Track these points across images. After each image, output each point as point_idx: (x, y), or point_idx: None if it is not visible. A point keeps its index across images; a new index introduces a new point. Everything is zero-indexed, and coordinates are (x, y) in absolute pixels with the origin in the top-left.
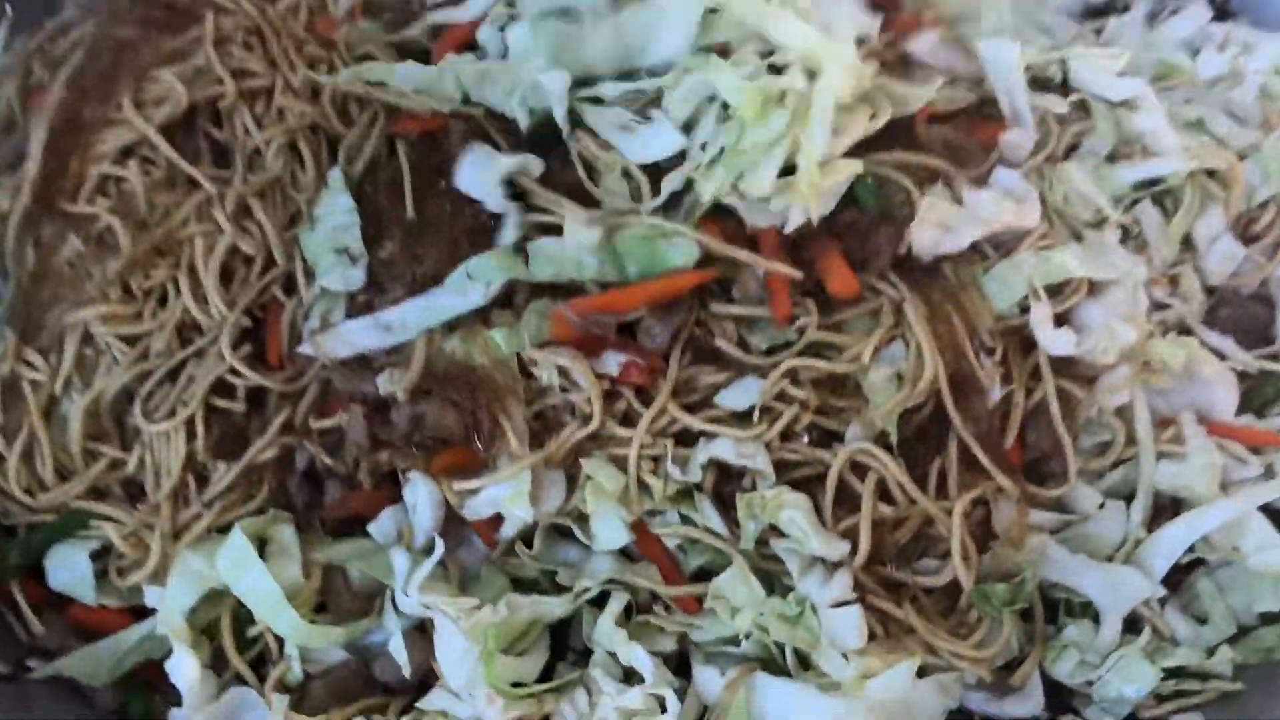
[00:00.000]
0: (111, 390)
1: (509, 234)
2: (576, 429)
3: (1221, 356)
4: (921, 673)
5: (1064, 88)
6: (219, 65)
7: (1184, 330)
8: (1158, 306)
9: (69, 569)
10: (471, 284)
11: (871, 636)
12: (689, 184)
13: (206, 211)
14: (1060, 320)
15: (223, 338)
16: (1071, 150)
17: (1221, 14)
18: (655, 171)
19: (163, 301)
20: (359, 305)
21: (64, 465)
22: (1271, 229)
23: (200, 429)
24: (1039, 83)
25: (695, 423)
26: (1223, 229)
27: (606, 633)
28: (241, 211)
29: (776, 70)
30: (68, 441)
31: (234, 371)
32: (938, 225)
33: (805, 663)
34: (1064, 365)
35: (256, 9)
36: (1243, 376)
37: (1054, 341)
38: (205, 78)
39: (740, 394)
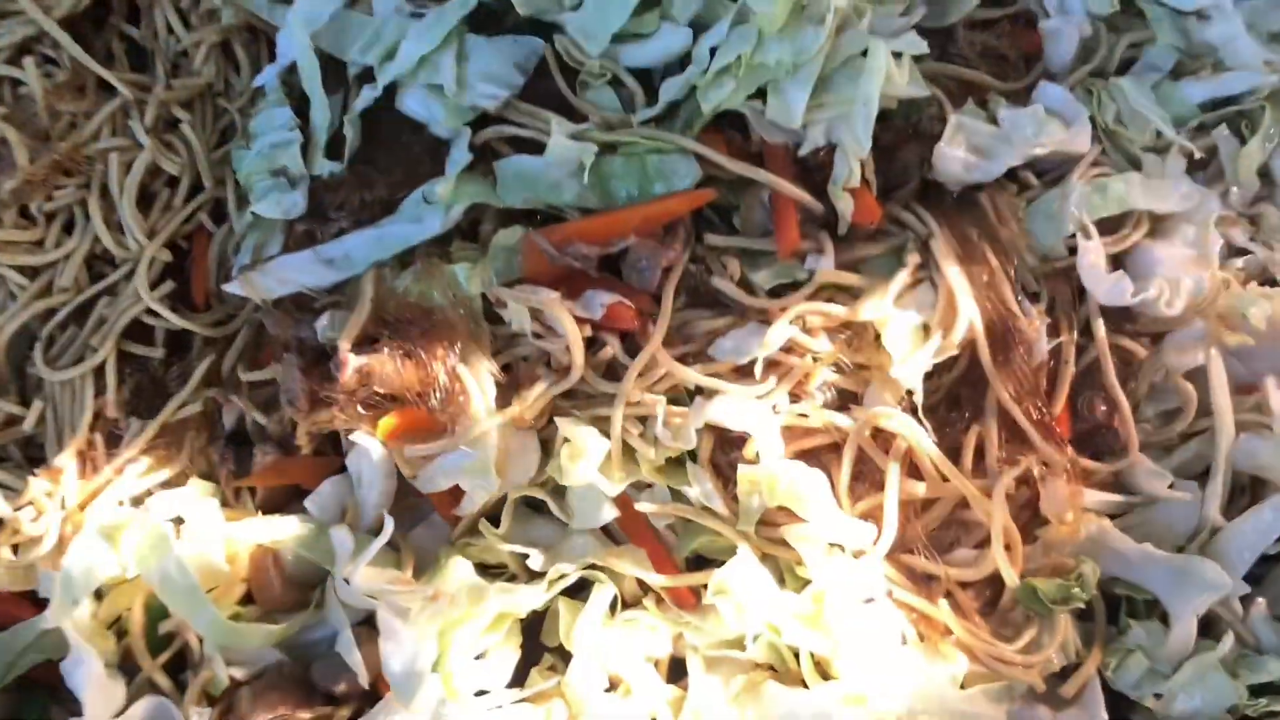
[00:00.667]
0: (8, 332)
1: (459, 156)
2: (552, 384)
3: None
4: (963, 683)
5: None
6: None
7: (1267, 280)
8: (1235, 251)
9: None
10: (429, 210)
11: (901, 640)
12: (690, 92)
13: (122, 123)
14: (1117, 263)
15: (140, 272)
16: (1128, 65)
17: None
18: (648, 79)
19: (69, 228)
20: (298, 236)
21: None
22: None
23: (111, 379)
24: None
25: (691, 376)
26: None
27: (588, 631)
28: (164, 124)
29: None
30: None
31: (152, 312)
32: (969, 149)
33: (824, 671)
34: (1122, 317)
35: None
36: None
37: (1107, 288)
38: None
39: (741, 343)
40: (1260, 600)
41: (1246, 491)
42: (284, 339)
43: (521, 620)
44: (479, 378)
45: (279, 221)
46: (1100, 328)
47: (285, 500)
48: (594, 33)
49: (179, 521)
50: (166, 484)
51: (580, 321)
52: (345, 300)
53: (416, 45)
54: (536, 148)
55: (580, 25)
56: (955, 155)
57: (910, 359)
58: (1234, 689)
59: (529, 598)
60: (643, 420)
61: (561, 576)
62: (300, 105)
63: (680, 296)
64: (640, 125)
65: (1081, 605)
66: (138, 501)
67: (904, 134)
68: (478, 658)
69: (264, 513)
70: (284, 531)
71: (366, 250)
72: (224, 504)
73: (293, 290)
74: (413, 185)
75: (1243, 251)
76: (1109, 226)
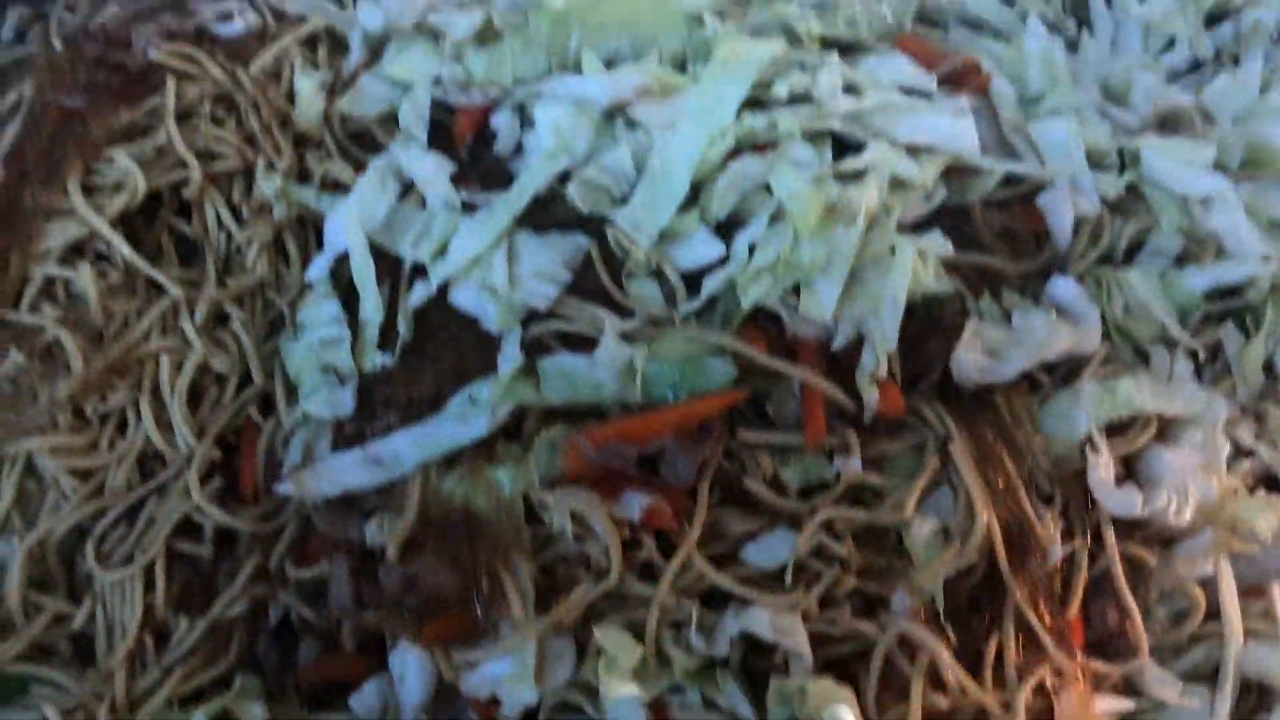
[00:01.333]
0: (60, 531)
1: (511, 354)
2: (590, 587)
3: None
4: None
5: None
6: (181, 144)
7: (1273, 481)
8: (1242, 452)
9: None
10: (475, 410)
11: None
12: (728, 285)
13: (172, 322)
14: (1127, 464)
15: (190, 472)
16: (1136, 248)
17: None
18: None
19: (121, 428)
20: (347, 434)
21: (2, 619)
22: None
23: (160, 578)
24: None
25: (724, 583)
26: None
27: None
28: (214, 320)
29: (846, 175)
30: (6, 591)
31: (200, 510)
32: (985, 352)
33: None
34: (1133, 524)
35: (226, 74)
36: None
37: (1118, 501)
38: (167, 159)
39: (772, 549)
40: None
41: (1253, 694)
42: (333, 539)
43: None
44: (519, 583)
45: (328, 420)
46: (1111, 536)
47: (329, 693)
48: (645, 226)
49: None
50: (214, 680)
51: (619, 522)
52: (392, 501)
53: (469, 244)
54: (582, 340)
55: (632, 219)
56: (971, 359)
57: (931, 567)
58: None
59: None
60: (677, 625)
61: None
62: (347, 295)
63: (714, 493)
64: (682, 319)
65: None
66: (186, 701)
67: (927, 327)
68: None
69: (307, 704)
70: None
71: (414, 450)
72: (269, 697)
73: (342, 490)
74: (459, 379)
75: (1249, 453)
76: (1119, 427)
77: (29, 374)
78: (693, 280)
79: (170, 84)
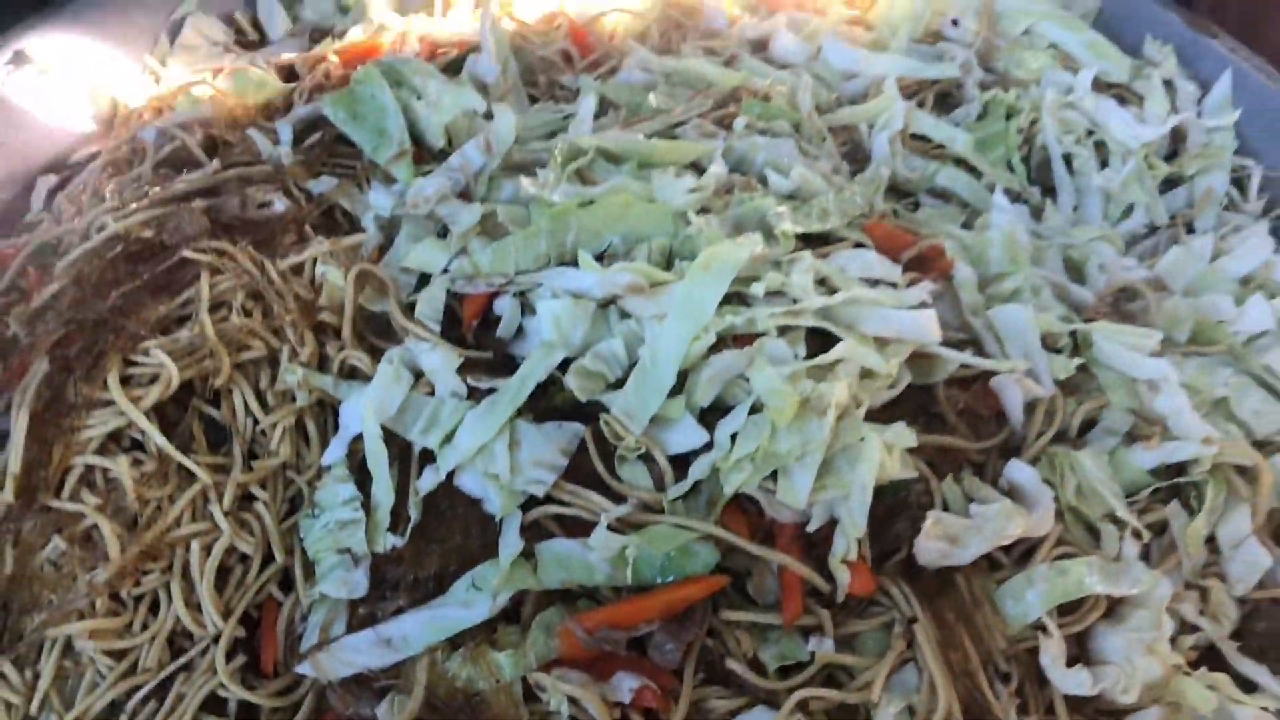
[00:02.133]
0: (96, 709)
1: (512, 541)
2: None
3: (1253, 687)
4: None
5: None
6: (213, 338)
7: (1213, 653)
8: (1186, 628)
9: None
10: (477, 595)
11: None
12: (712, 472)
13: (202, 507)
14: (1079, 639)
15: (216, 651)
16: (1089, 426)
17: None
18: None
19: (154, 608)
20: (360, 617)
21: None
22: None
23: None
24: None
25: None
26: (1248, 532)
27: None
28: (240, 502)
29: (819, 370)
30: None
31: (225, 687)
32: (944, 539)
33: None
34: (1084, 700)
35: (256, 266)
36: None
37: (1069, 682)
38: (200, 350)
39: None
40: None
41: None
42: (346, 716)
43: None
44: None
45: (343, 600)
46: (1063, 712)
47: None
48: (636, 415)
49: None
50: None
51: (610, 703)
52: (402, 679)
53: (474, 435)
54: (577, 523)
55: (624, 407)
56: (934, 546)
57: None
58: None
59: None
60: None
61: None
62: (360, 475)
63: (698, 673)
64: (670, 502)
65: None
66: None
67: (893, 510)
68: None
69: None
70: None
71: (421, 633)
72: None
73: (354, 671)
74: (464, 560)
75: (1194, 628)
76: (1070, 607)
77: (69, 559)
78: (678, 463)
79: (204, 279)
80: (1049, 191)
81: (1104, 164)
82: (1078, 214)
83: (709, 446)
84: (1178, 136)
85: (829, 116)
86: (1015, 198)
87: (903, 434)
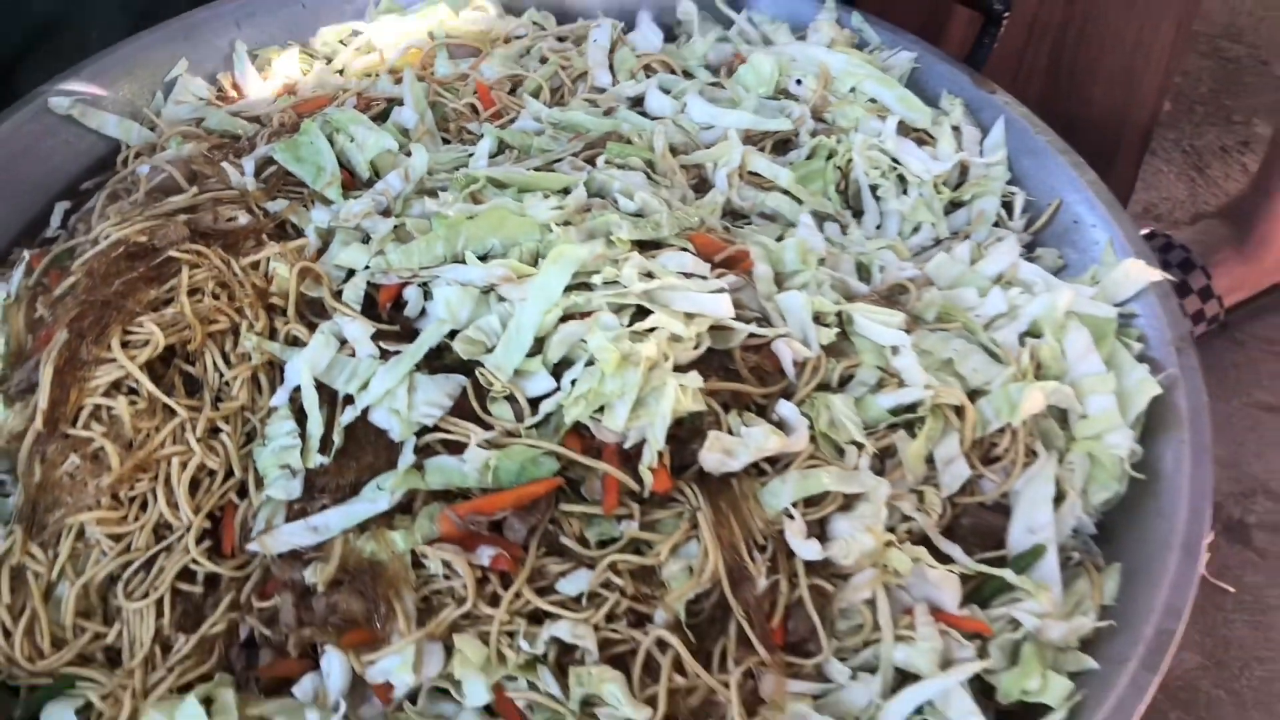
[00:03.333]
0: (99, 577)
1: (408, 457)
2: (453, 610)
3: (949, 560)
4: None
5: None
6: (190, 314)
7: (924, 538)
8: (905, 518)
9: None
10: (380, 494)
11: None
12: (557, 408)
13: (180, 435)
14: (821, 525)
15: (189, 537)
16: (847, 380)
17: (1030, 247)
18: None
19: (143, 506)
20: (294, 510)
21: (58, 637)
22: (1007, 453)
23: (167, 608)
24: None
25: (543, 605)
26: (957, 454)
27: None
28: (209, 433)
29: (637, 335)
30: (61, 618)
31: (195, 561)
32: (722, 451)
33: None
34: (820, 565)
35: (224, 263)
36: (970, 577)
37: (804, 549)
38: (180, 324)
39: (576, 582)
40: None
41: (900, 676)
42: (283, 580)
43: None
44: (406, 607)
45: (283, 500)
46: (802, 572)
47: (279, 687)
48: (504, 367)
49: (209, 701)
50: (200, 677)
51: (474, 567)
52: (323, 554)
53: (383, 383)
54: (457, 446)
55: (495, 362)
56: (713, 456)
57: (678, 593)
58: None
59: None
60: (511, 634)
61: None
62: (299, 416)
63: (541, 547)
64: (526, 430)
65: None
66: (183, 689)
67: (691, 433)
68: None
69: (265, 694)
70: (276, 709)
71: (339, 521)
72: (238, 688)
73: (289, 548)
74: (374, 472)
75: (909, 518)
76: (815, 501)
77: (82, 471)
78: (534, 404)
79: (184, 272)
80: (858, 215)
81: (905, 193)
82: (880, 231)
83: (557, 391)
84: (964, 170)
85: (682, 157)
86: (828, 219)
87: (693, 379)
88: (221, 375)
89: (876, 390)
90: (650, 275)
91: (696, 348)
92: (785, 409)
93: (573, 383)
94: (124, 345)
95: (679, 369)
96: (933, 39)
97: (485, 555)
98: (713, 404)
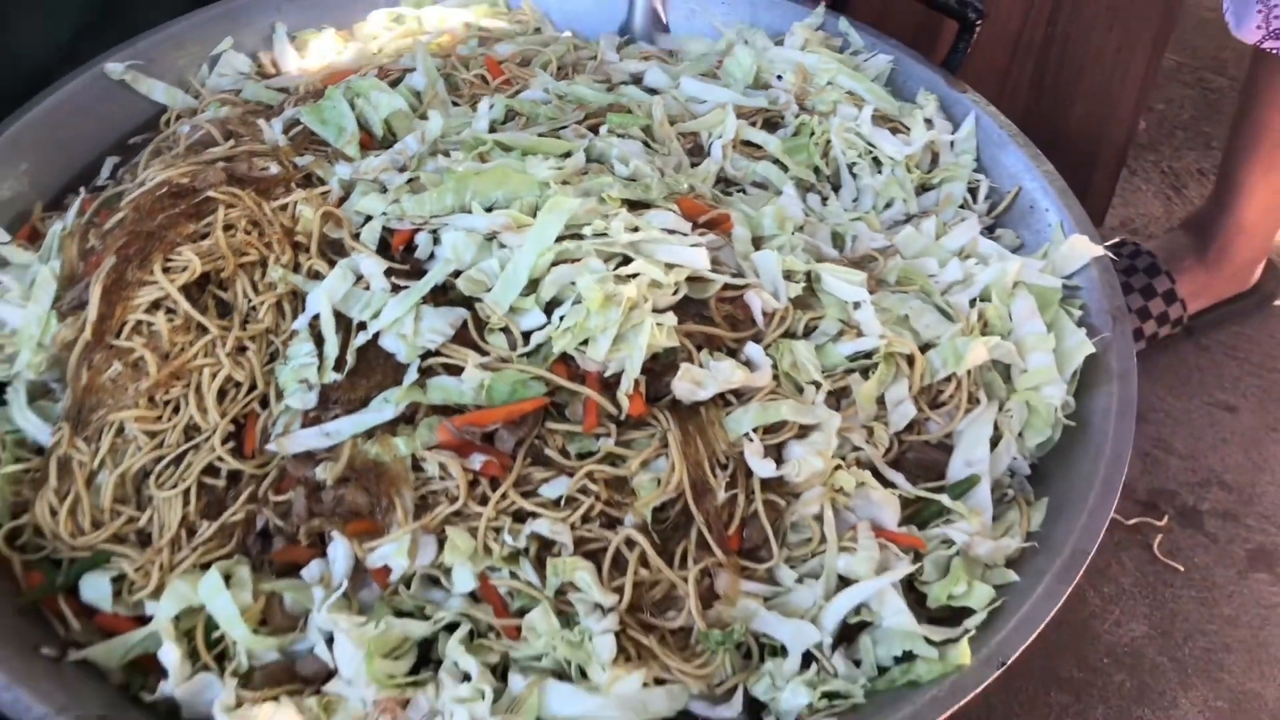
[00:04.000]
0: (134, 468)
1: (412, 375)
2: (446, 507)
3: (893, 486)
4: (658, 683)
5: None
6: (224, 246)
7: (871, 467)
8: (855, 449)
9: (95, 589)
10: (387, 405)
11: (628, 659)
12: (547, 340)
13: (211, 350)
14: (777, 450)
15: (215, 438)
16: (811, 330)
17: (991, 229)
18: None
19: (175, 410)
20: (310, 419)
21: (96, 519)
22: (952, 399)
23: (193, 498)
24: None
25: (526, 505)
26: (906, 396)
27: (453, 649)
28: (237, 350)
29: (621, 278)
30: (100, 502)
31: (220, 459)
32: (692, 381)
33: (582, 673)
34: (775, 483)
35: (255, 205)
36: (911, 502)
37: (760, 467)
38: (215, 253)
39: (556, 488)
40: (845, 650)
41: (842, 581)
42: (297, 477)
43: (417, 642)
44: (404, 503)
45: (300, 410)
46: (758, 488)
47: (290, 570)
48: (501, 303)
49: (228, 577)
50: (219, 558)
51: (467, 470)
52: (334, 455)
53: (393, 312)
54: (457, 369)
55: (493, 298)
56: (684, 386)
57: (646, 499)
58: (811, 695)
59: (420, 629)
60: (497, 530)
61: (442, 618)
62: (317, 340)
63: (527, 458)
64: (518, 358)
65: (737, 645)
66: (204, 567)
67: (666, 367)
68: (389, 659)
69: (277, 576)
70: (286, 587)
71: (349, 428)
72: (253, 569)
73: (304, 449)
74: (381, 389)
75: (858, 449)
76: (774, 429)
77: (124, 377)
78: (526, 336)
79: (220, 211)
80: (836, 189)
81: (879, 172)
82: (856, 205)
83: (547, 325)
84: (935, 158)
85: (679, 125)
86: (810, 189)
87: (668, 318)
88: (249, 301)
89: (837, 339)
90: (636, 230)
91: (675, 294)
92: (752, 350)
93: (561, 318)
94: (165, 270)
95: (657, 311)
96: (926, 48)
97: (477, 461)
98: (688, 344)
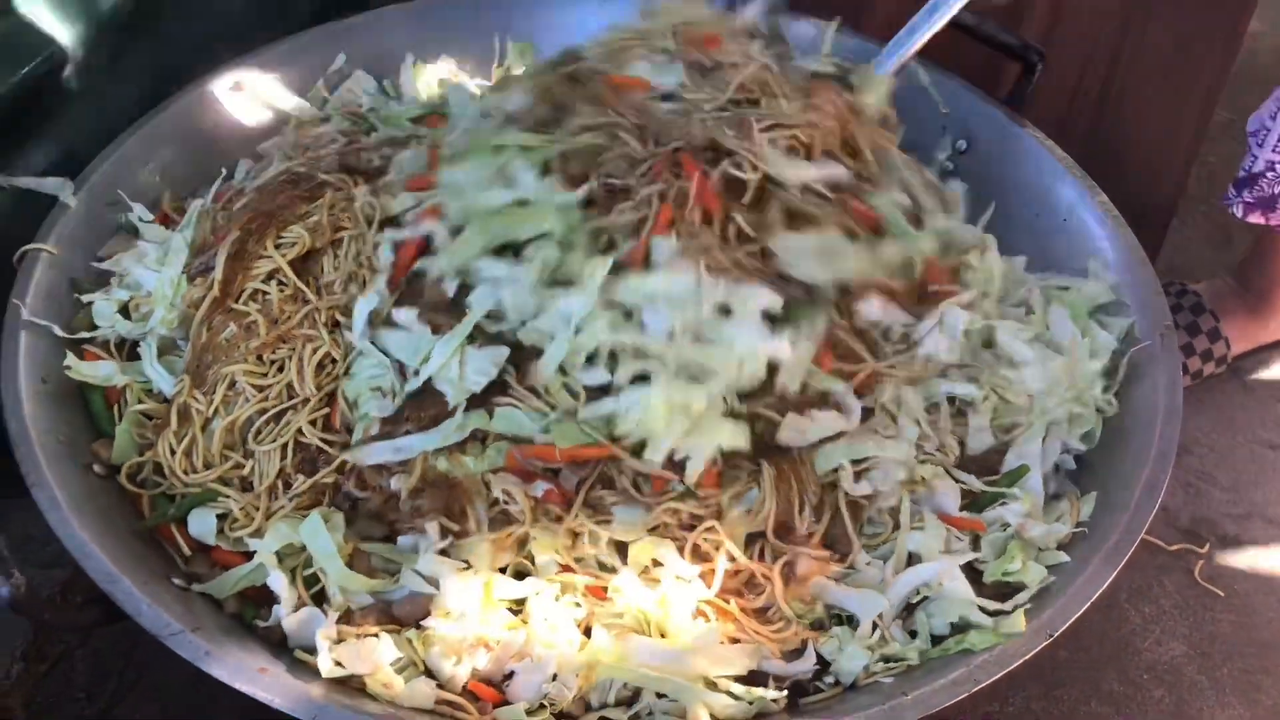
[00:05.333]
0: (242, 418)
1: (459, 418)
2: (517, 527)
3: (957, 480)
4: (735, 641)
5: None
6: (326, 222)
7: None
8: (927, 454)
9: (201, 524)
10: (456, 429)
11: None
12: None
13: (312, 318)
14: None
15: (305, 411)
16: None
17: None
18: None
19: (280, 369)
20: (384, 430)
21: (208, 460)
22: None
23: (290, 453)
24: None
25: (595, 530)
26: (986, 426)
27: (542, 604)
28: (332, 323)
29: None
30: (211, 446)
31: (304, 431)
32: (797, 430)
33: (661, 635)
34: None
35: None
36: (971, 493)
37: (855, 488)
38: (321, 230)
39: (631, 513)
40: (904, 621)
41: (911, 559)
42: (373, 485)
43: None
44: (479, 514)
45: (378, 417)
46: (843, 500)
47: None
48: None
49: (326, 520)
50: (308, 507)
51: (529, 497)
52: (406, 470)
53: (440, 356)
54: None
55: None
56: (788, 434)
57: (737, 527)
58: (870, 657)
59: (518, 588)
60: (576, 534)
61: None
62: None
63: (596, 487)
64: (582, 416)
65: (814, 618)
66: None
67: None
68: None
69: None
70: (378, 549)
71: (420, 444)
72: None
73: (377, 462)
74: (450, 414)
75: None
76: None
77: (238, 337)
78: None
79: (328, 194)
80: None
81: None
82: None
83: (610, 383)
84: None
85: None
86: None
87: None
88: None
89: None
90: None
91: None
92: (844, 394)
93: (623, 397)
94: (277, 246)
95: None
96: (990, 86)
97: (540, 489)
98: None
